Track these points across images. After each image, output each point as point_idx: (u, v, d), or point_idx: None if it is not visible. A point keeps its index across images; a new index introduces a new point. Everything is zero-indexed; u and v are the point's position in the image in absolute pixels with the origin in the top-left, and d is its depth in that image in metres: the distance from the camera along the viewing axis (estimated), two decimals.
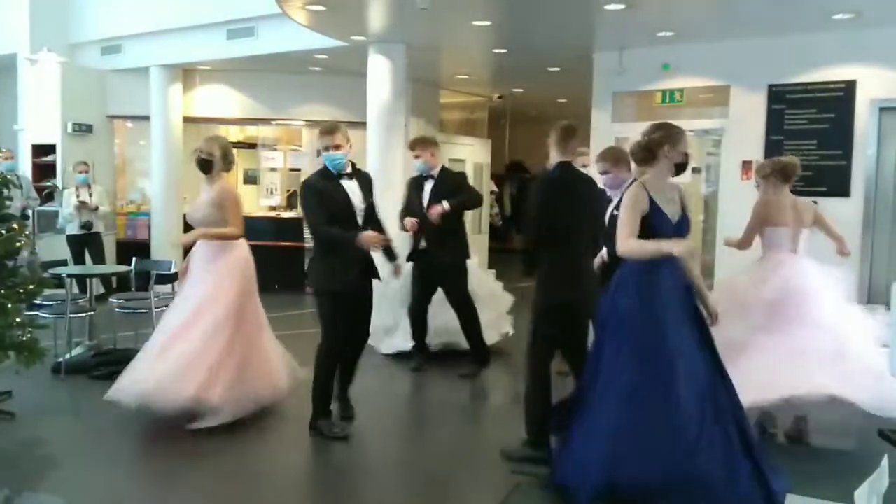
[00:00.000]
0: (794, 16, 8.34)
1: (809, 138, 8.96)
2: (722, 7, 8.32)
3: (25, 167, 12.60)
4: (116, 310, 8.81)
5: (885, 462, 3.53)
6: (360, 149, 10.50)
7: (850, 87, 8.73)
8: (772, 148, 9.11)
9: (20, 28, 13.07)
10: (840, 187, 8.79)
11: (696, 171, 7.55)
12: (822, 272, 6.17)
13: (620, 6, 8.06)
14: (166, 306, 8.75)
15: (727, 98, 9.54)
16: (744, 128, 9.27)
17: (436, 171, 8.01)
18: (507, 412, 7.19)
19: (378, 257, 6.31)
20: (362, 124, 10.97)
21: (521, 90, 14.93)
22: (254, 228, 13.10)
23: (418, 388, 7.91)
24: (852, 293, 6.36)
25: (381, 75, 10.50)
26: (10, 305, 6.24)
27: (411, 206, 7.99)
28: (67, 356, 7.99)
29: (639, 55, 10.05)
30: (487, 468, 5.55)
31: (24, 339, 6.35)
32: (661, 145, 4.67)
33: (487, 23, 9.12)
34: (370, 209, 6.16)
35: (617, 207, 5.32)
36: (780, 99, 9.12)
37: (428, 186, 7.96)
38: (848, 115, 8.76)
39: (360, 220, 6.04)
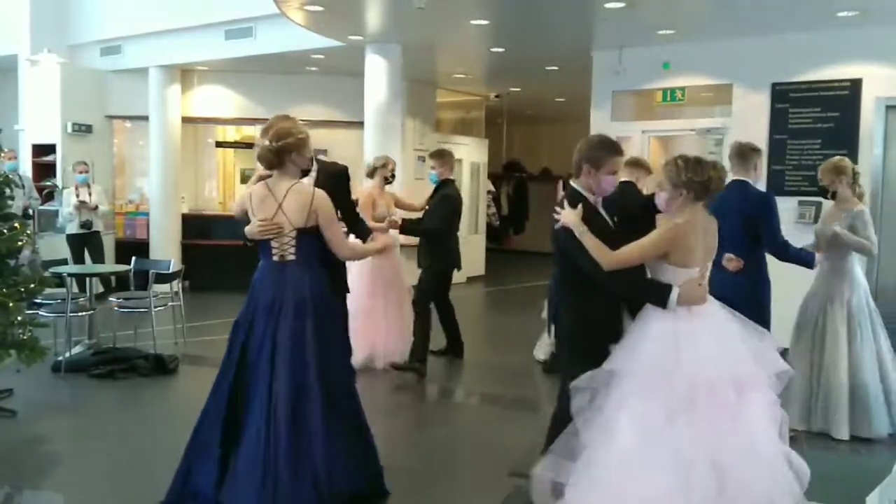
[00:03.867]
0: (797, 13, 8.32)
1: (814, 137, 8.92)
2: (723, 5, 8.30)
3: (26, 167, 12.58)
4: (115, 309, 8.86)
5: None
6: (356, 149, 10.51)
7: (855, 85, 8.69)
8: (776, 147, 9.09)
9: (20, 29, 13.06)
10: None
11: None
12: None
13: (620, 4, 8.03)
14: (164, 305, 8.83)
15: (730, 97, 9.51)
16: (747, 127, 9.15)
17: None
18: (507, 414, 7.18)
19: None
20: (359, 124, 10.99)
21: (518, 89, 14.91)
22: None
23: (417, 389, 7.87)
24: None
25: (377, 75, 10.51)
26: (11, 304, 6.24)
27: None
28: (67, 354, 8.00)
29: (639, 54, 10.02)
30: (486, 470, 5.53)
31: (25, 337, 6.38)
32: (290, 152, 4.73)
33: (485, 22, 9.10)
34: None
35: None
36: (784, 98, 9.08)
37: None
38: (853, 114, 8.70)
39: None
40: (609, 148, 4.52)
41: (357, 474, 4.75)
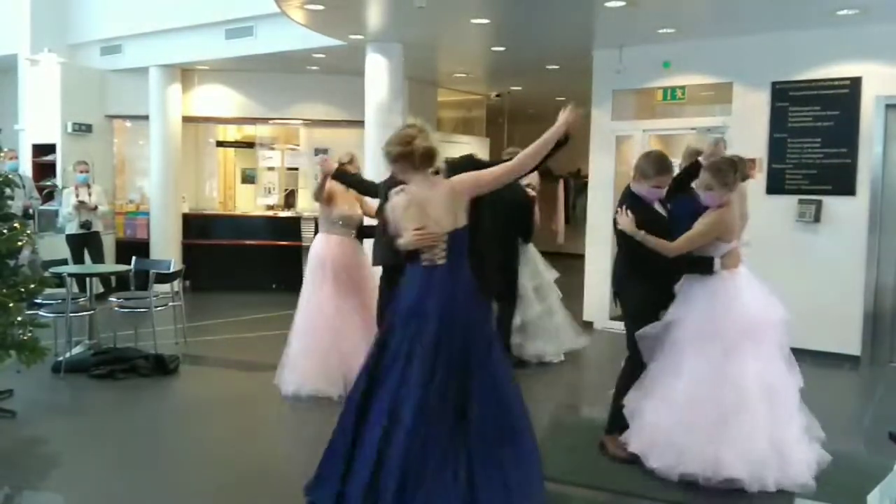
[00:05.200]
0: (797, 12, 8.30)
1: (814, 136, 8.87)
2: (723, 3, 8.29)
3: (26, 167, 12.53)
4: (116, 309, 8.86)
5: None
6: (357, 148, 10.51)
7: (855, 83, 8.64)
8: (776, 146, 9.07)
9: (21, 29, 13.05)
10: (845, 186, 8.69)
11: None
12: None
13: (621, 3, 8.02)
14: (165, 305, 8.83)
15: (730, 95, 9.48)
16: (747, 125, 9.20)
17: None
18: None
19: None
20: (360, 123, 10.96)
21: (519, 88, 14.90)
22: (251, 228, 13.28)
23: None
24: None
25: (378, 74, 10.49)
26: (11, 304, 6.25)
27: None
28: (67, 355, 8.00)
29: (639, 52, 9.99)
30: None
31: (25, 338, 6.39)
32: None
33: (486, 21, 9.09)
34: None
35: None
36: (784, 96, 9.04)
37: None
38: (853, 113, 8.66)
39: None
40: (657, 168, 5.55)
41: (497, 496, 4.33)
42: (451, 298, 4.48)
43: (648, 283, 5.57)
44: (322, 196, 7.43)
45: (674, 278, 5.60)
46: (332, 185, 7.38)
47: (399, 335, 4.52)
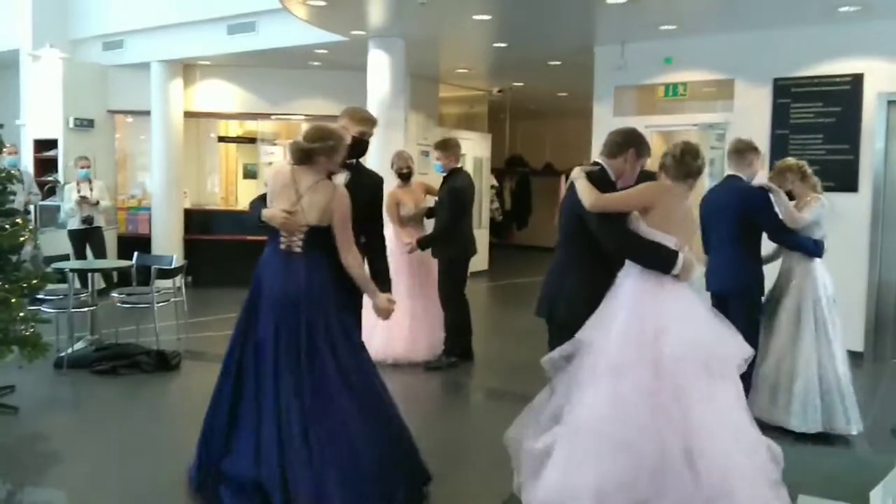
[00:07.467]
0: (799, 8, 8.30)
1: (816, 132, 8.88)
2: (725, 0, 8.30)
3: (27, 162, 12.57)
4: (118, 304, 8.84)
5: None
6: None
7: (857, 80, 8.65)
8: (777, 143, 9.07)
9: (22, 24, 13.05)
10: (847, 182, 8.69)
11: None
12: None
13: None
14: (167, 301, 8.83)
15: (731, 92, 9.48)
16: (749, 122, 9.17)
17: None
18: (512, 411, 7.17)
19: None
20: None
21: (521, 84, 14.91)
22: (253, 223, 13.26)
23: (420, 388, 7.83)
24: None
25: (380, 70, 10.49)
26: (13, 300, 6.25)
27: None
28: (69, 351, 8.00)
29: (641, 49, 10.00)
30: (490, 469, 5.47)
31: (27, 333, 6.38)
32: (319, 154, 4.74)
33: (487, 17, 9.11)
34: None
35: None
36: (786, 93, 9.05)
37: None
38: (855, 109, 8.67)
39: None
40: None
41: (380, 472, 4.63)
42: (309, 288, 4.63)
43: (595, 283, 4.57)
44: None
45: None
46: (396, 193, 8.33)
47: (264, 323, 4.71)
